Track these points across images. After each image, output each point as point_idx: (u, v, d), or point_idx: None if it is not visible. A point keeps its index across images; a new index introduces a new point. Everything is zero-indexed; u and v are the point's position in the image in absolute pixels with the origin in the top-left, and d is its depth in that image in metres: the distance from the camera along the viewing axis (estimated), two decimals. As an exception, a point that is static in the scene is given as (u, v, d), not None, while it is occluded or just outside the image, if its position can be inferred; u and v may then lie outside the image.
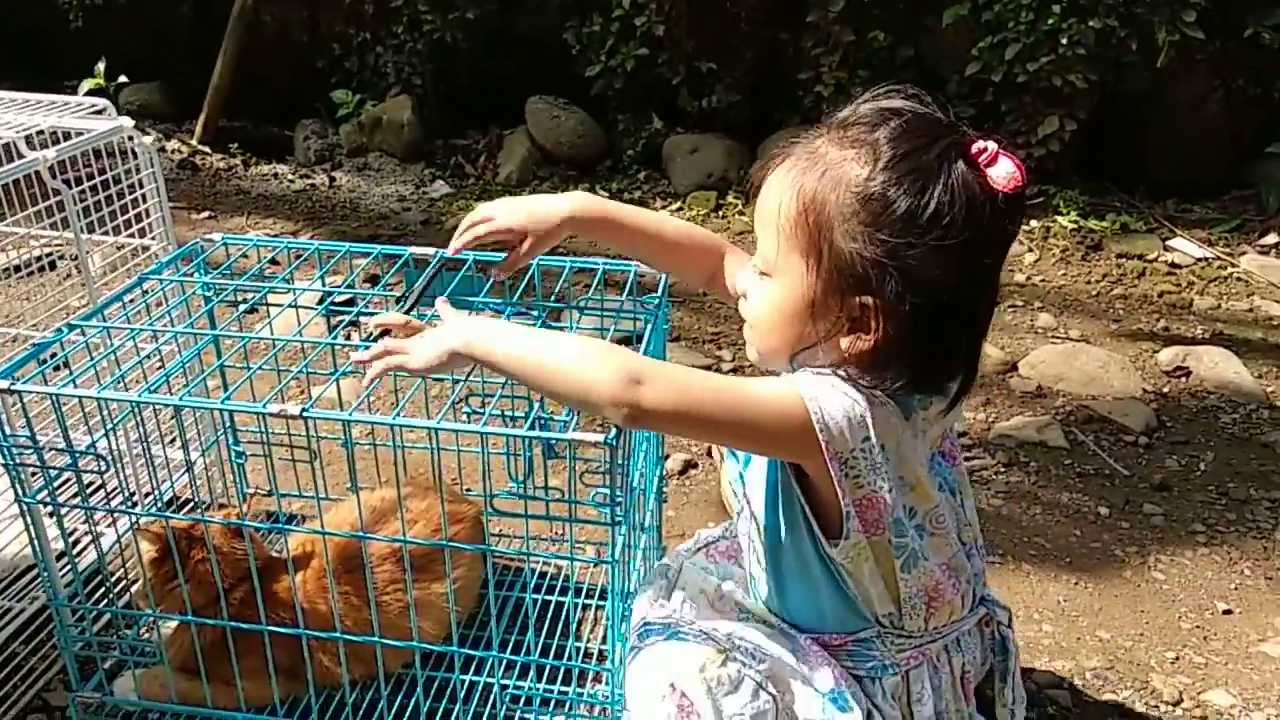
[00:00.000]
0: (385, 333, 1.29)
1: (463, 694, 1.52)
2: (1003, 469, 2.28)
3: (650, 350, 1.44)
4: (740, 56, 3.98)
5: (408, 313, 1.36)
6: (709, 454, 2.27)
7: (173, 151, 4.35)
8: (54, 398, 1.31)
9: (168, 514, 1.46)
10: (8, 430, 1.32)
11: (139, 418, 1.45)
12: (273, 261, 1.62)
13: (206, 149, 4.39)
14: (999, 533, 2.07)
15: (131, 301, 1.51)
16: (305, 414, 1.22)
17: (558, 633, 1.71)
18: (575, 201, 1.42)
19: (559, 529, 1.99)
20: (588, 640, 1.74)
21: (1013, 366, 2.70)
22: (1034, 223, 3.53)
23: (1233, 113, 3.63)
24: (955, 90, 3.64)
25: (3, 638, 1.65)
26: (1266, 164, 3.62)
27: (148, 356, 1.52)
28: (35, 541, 1.40)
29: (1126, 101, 3.63)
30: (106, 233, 1.88)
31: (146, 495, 1.69)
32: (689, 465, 2.26)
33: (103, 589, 1.63)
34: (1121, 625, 1.84)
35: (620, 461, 1.23)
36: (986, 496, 2.18)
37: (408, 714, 1.51)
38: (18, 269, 1.99)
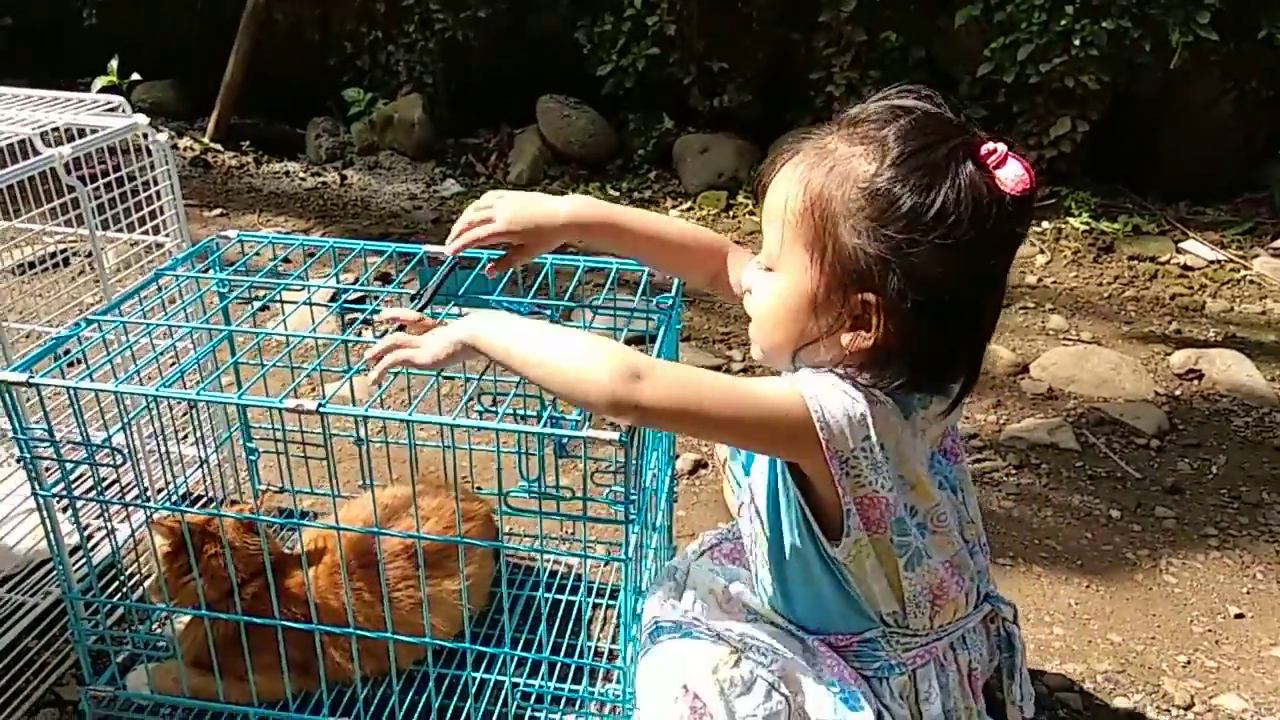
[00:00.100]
0: (400, 327, 1.30)
1: (474, 691, 1.53)
2: (1014, 471, 2.27)
3: (663, 351, 1.44)
4: (752, 56, 3.98)
5: (421, 310, 1.36)
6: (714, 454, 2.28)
7: (185, 149, 4.36)
8: (72, 391, 1.32)
9: (182, 508, 1.47)
10: (25, 424, 1.32)
11: (154, 412, 1.46)
12: (285, 260, 1.62)
13: (218, 147, 4.41)
14: (1010, 535, 2.06)
15: (146, 298, 1.51)
16: (322, 409, 1.23)
17: (569, 631, 1.72)
18: (575, 205, 1.41)
19: (569, 528, 2.00)
20: (599, 638, 1.75)
21: (1024, 368, 2.69)
22: (1046, 224, 3.53)
23: (1246, 115, 3.61)
24: (967, 91, 3.63)
25: (16, 632, 1.66)
26: (1279, 166, 3.61)
27: (163, 353, 1.53)
28: (50, 535, 1.41)
29: (1139, 103, 3.61)
30: (121, 229, 1.89)
31: (160, 490, 1.70)
32: (699, 465, 2.26)
33: (116, 583, 1.64)
34: (1133, 628, 1.83)
35: (633, 459, 1.23)
36: (997, 499, 2.18)
37: (419, 710, 1.52)
38: (32, 265, 2.00)
